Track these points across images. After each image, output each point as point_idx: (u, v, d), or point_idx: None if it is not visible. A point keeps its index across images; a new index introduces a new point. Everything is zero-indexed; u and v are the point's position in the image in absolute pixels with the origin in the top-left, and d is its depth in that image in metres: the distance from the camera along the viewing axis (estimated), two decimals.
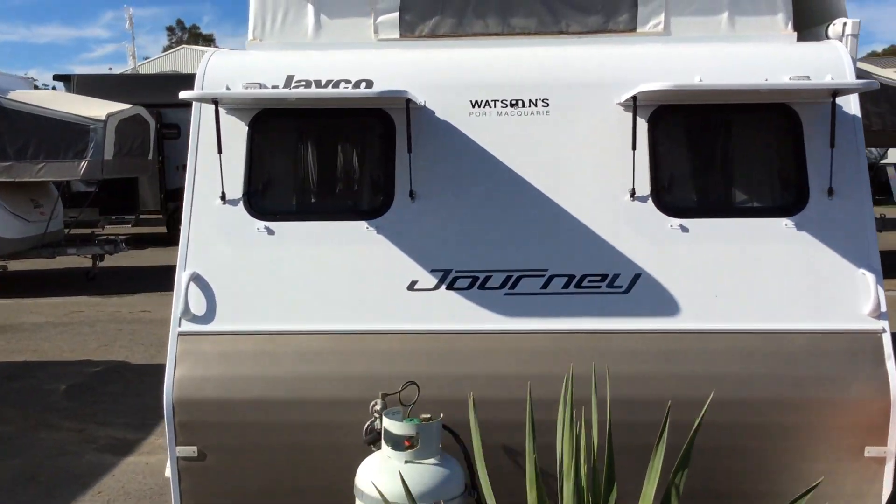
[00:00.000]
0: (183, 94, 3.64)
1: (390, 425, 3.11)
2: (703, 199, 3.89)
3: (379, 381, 3.57)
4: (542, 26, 4.26)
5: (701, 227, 3.69)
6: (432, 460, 3.08)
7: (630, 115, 3.80)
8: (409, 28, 4.28)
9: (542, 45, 4.11)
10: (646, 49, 4.03)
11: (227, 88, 3.91)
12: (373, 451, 3.46)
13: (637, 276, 3.66)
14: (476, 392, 3.51)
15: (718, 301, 3.59)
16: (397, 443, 3.11)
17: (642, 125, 3.79)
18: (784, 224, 3.66)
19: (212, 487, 3.68)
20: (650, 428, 3.27)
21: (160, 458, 5.78)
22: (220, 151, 3.86)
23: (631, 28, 4.25)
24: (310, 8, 4.30)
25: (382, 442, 3.19)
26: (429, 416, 3.18)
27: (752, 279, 3.61)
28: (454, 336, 3.64)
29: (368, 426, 3.36)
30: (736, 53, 3.93)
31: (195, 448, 3.63)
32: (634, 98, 3.67)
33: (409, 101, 3.70)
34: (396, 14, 4.26)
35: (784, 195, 3.83)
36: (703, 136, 3.94)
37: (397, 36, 4.28)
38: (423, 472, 3.04)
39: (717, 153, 3.97)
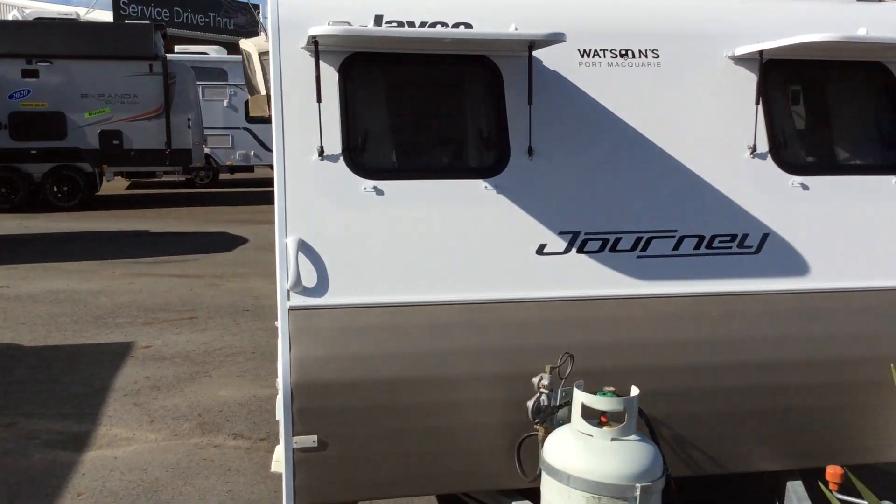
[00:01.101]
0: (313, 31, 3.13)
1: (594, 401, 2.85)
2: (820, 156, 3.86)
3: (520, 353, 3.29)
4: None
5: (820, 184, 3.67)
6: (634, 437, 2.86)
7: (741, 68, 3.68)
8: None
9: None
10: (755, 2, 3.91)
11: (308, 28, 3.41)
12: (513, 430, 3.20)
13: (766, 236, 3.58)
14: (621, 361, 3.32)
15: (845, 259, 3.59)
16: (594, 419, 2.86)
17: (755, 79, 3.68)
18: None
19: (332, 481, 3.25)
20: (789, 389, 3.25)
21: (128, 451, 5.18)
22: (319, 100, 3.36)
23: None
24: None
25: (574, 417, 2.92)
26: (612, 388, 2.95)
27: (873, 236, 3.63)
28: (590, 303, 3.40)
29: (535, 403, 3.07)
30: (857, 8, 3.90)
31: (315, 437, 3.19)
32: (761, 53, 3.56)
33: (531, 47, 3.38)
34: None
35: None
36: (818, 92, 3.90)
37: None
38: (633, 450, 2.82)
39: (830, 109, 3.94)
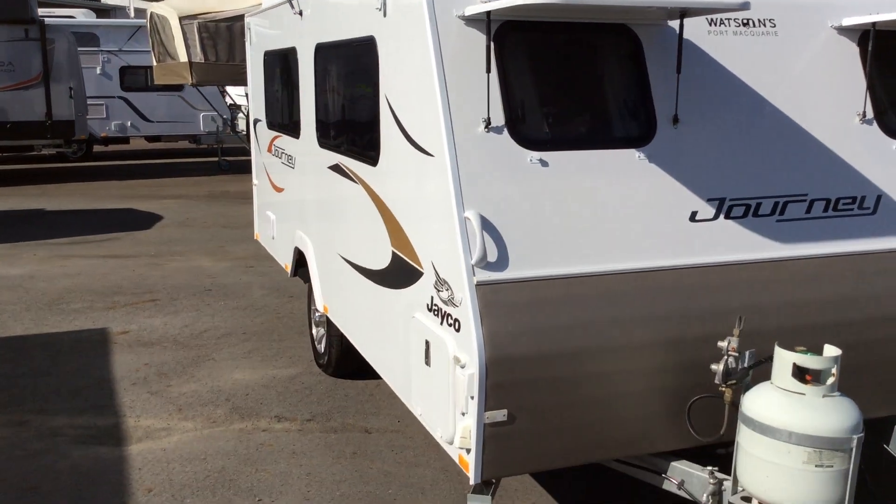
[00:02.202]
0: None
1: (806, 360, 2.98)
2: None
3: (685, 319, 3.40)
4: None
5: None
6: (837, 394, 3.03)
7: (846, 39, 3.89)
8: None
9: None
10: None
11: None
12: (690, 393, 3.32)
13: (879, 197, 3.82)
14: (773, 322, 3.49)
15: None
16: (800, 377, 3.00)
17: (857, 50, 3.90)
18: None
19: (517, 453, 3.25)
20: None
21: (173, 443, 4.99)
22: (488, 70, 3.29)
23: None
24: None
25: (781, 376, 3.05)
26: (804, 348, 3.10)
27: None
28: (741, 267, 3.54)
29: (724, 366, 3.18)
30: None
31: (505, 412, 3.17)
32: (874, 25, 3.77)
33: (683, 15, 3.44)
34: None
35: None
36: None
37: None
38: (843, 405, 2.97)
39: None
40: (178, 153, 21.49)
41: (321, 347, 6.09)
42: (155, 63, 12.97)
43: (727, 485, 3.34)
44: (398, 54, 3.70)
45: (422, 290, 3.63)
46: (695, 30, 3.67)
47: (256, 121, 7.44)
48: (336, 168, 4.86)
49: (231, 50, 11.22)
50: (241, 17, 11.05)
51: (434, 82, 3.30)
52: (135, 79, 20.16)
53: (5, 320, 7.40)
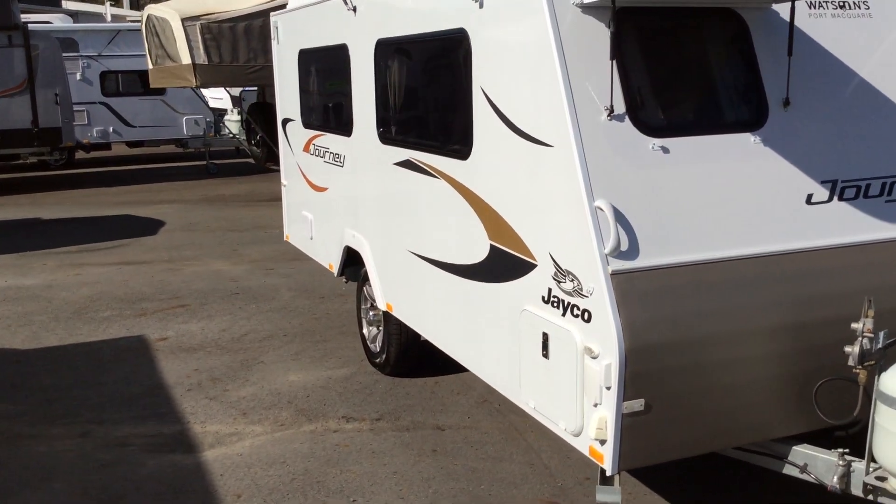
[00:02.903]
0: None
1: None
2: None
3: (817, 301, 3.41)
4: None
5: None
6: None
7: None
8: None
9: None
10: None
11: None
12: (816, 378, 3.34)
13: None
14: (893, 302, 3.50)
15: None
16: None
17: None
18: None
19: (652, 443, 3.24)
20: None
21: (247, 447, 4.95)
22: (612, 57, 3.27)
23: None
24: None
25: None
26: None
27: None
28: (859, 248, 3.55)
29: (859, 348, 3.18)
30: None
31: (642, 401, 3.15)
32: None
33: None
34: None
35: None
36: None
37: None
38: None
39: None
40: (163, 158, 21.20)
41: (375, 346, 6.03)
42: (151, 66, 12.77)
43: (856, 466, 3.35)
44: (502, 46, 3.66)
45: (534, 281, 3.60)
46: (798, 12, 3.67)
47: (287, 120, 7.34)
48: (406, 164, 4.81)
49: (235, 51, 11.09)
50: (244, 18, 10.94)
51: (556, 72, 3.26)
52: (116, 84, 19.86)
53: (37, 331, 7.24)
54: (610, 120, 3.29)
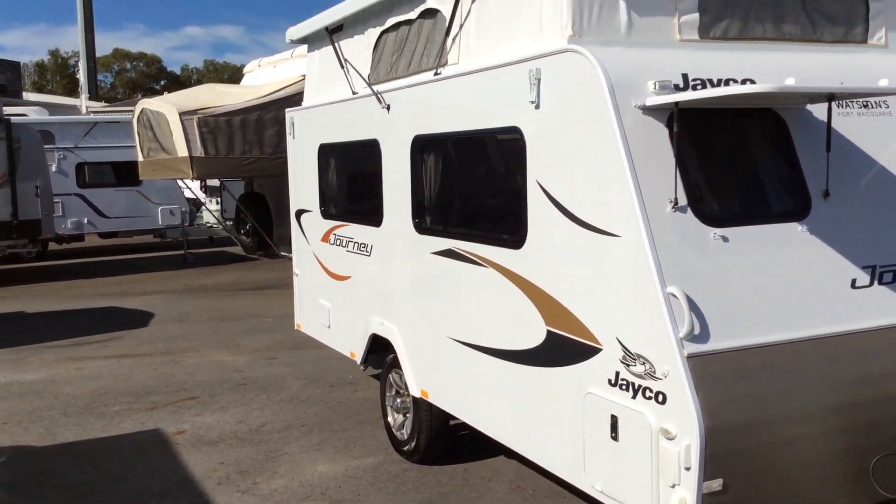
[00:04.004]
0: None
1: None
2: None
3: (872, 380, 3.63)
4: (806, 34, 4.52)
5: None
6: None
7: None
8: (706, 29, 4.26)
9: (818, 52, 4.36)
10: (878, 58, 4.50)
11: (640, 87, 3.61)
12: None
13: None
14: None
15: None
16: None
17: None
18: None
19: None
20: None
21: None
22: (676, 156, 3.53)
23: (863, 40, 4.71)
24: (621, 4, 4.07)
25: None
26: None
27: None
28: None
29: None
30: None
31: (721, 481, 3.30)
32: None
33: (831, 99, 3.76)
34: (697, 15, 4.22)
35: None
36: None
37: (697, 37, 4.23)
38: None
39: None
40: (137, 249, 21.14)
41: (403, 434, 6.09)
42: (142, 158, 12.93)
43: None
44: (562, 143, 3.90)
45: (600, 365, 3.76)
46: (825, 112, 3.99)
47: (302, 211, 7.51)
48: (448, 253, 4.99)
49: (231, 143, 11.33)
50: (240, 112, 11.22)
51: (624, 169, 3.50)
52: (91, 175, 19.94)
53: (49, 427, 7.16)
54: (674, 211, 3.52)
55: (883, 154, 4.09)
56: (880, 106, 4.18)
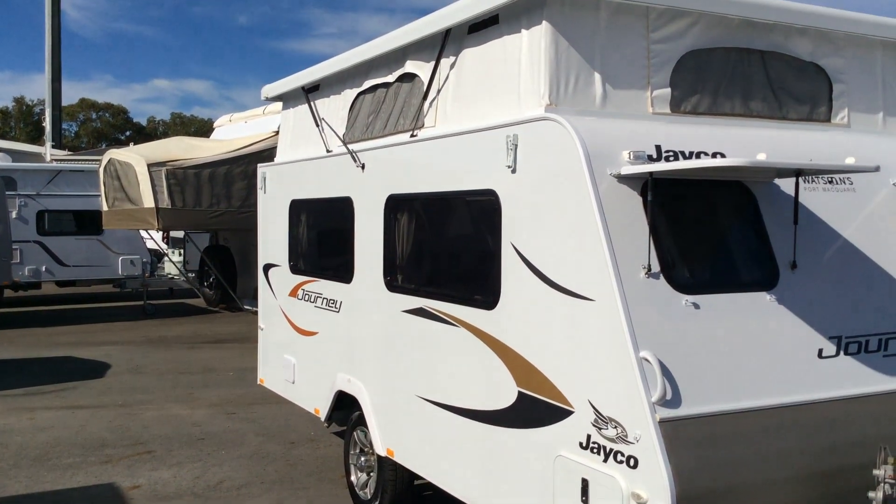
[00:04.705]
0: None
1: None
2: None
3: (838, 449, 3.69)
4: (772, 111, 4.70)
5: None
6: None
7: None
8: (677, 104, 4.41)
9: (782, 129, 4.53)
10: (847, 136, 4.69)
11: (615, 156, 3.73)
12: None
13: None
14: None
15: None
16: None
17: None
18: None
19: None
20: None
21: None
22: (649, 222, 3.62)
23: (826, 119, 4.90)
24: (597, 77, 4.21)
25: None
26: None
27: None
28: (867, 399, 3.88)
29: (883, 494, 3.44)
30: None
31: None
32: None
33: (799, 174, 3.90)
34: (668, 90, 4.37)
35: None
36: None
37: (668, 111, 4.38)
38: None
39: None
40: (96, 298, 20.81)
41: (366, 493, 6.02)
42: (106, 208, 12.84)
43: None
44: (537, 207, 3.98)
45: (571, 428, 3.78)
46: (792, 187, 4.13)
47: (270, 266, 7.50)
48: (419, 312, 5.01)
49: (198, 196, 11.31)
50: (209, 165, 11.23)
51: (599, 234, 3.58)
52: (52, 223, 19.71)
53: None
54: (647, 277, 3.60)
55: (847, 228, 4.22)
56: (844, 182, 4.33)
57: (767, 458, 3.51)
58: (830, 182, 4.29)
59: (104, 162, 12.46)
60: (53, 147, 30.66)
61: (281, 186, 7.24)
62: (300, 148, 7.05)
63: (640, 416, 3.38)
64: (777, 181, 4.12)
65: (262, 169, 7.66)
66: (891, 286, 4.21)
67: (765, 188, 4.05)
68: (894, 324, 4.12)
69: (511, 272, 4.19)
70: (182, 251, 18.78)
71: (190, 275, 17.34)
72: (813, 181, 4.24)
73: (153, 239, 19.10)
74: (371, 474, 5.94)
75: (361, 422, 5.85)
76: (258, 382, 7.91)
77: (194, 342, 14.25)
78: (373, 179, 5.60)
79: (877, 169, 3.59)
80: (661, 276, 3.63)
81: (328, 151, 6.33)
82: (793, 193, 4.09)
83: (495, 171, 4.28)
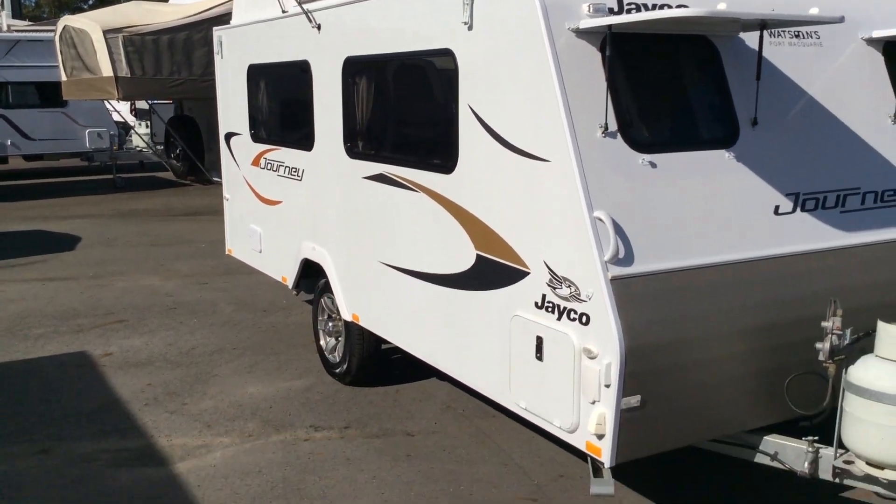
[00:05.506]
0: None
1: None
2: None
3: (788, 303, 3.74)
4: None
5: None
6: None
7: (873, 48, 4.37)
8: None
9: None
10: None
11: (574, 9, 3.59)
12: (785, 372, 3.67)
13: None
14: (852, 303, 3.86)
15: None
16: None
17: (882, 59, 4.38)
18: None
19: (645, 436, 3.48)
20: None
21: (219, 458, 5.02)
22: (607, 79, 3.53)
23: None
24: None
25: (882, 348, 3.41)
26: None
27: None
28: (821, 254, 3.91)
29: (829, 344, 3.51)
30: None
31: (639, 397, 3.40)
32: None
33: (763, 27, 3.79)
34: None
35: None
36: None
37: None
38: None
39: None
40: (65, 172, 20.51)
41: (335, 357, 6.12)
42: (65, 78, 12.44)
43: (824, 452, 3.68)
44: (494, 66, 3.86)
45: (527, 288, 3.81)
46: (757, 41, 4.02)
47: (231, 134, 7.35)
48: (379, 178, 4.95)
49: (158, 64, 10.95)
50: (168, 31, 10.83)
51: (555, 93, 3.49)
52: (14, 95, 19.13)
53: None
54: (604, 137, 3.53)
55: (812, 84, 4.15)
56: (811, 36, 4.22)
57: (718, 312, 3.55)
58: (797, 37, 4.18)
59: (59, 29, 11.98)
60: (12, 17, 29.41)
61: (238, 51, 7.01)
62: (256, 9, 6.77)
63: (592, 274, 3.40)
64: (742, 36, 4.00)
65: (217, 33, 7.39)
66: (852, 143, 4.18)
67: (729, 43, 3.94)
68: (854, 180, 4.11)
69: (468, 135, 4.11)
70: (149, 123, 18.40)
71: (157, 147, 17.04)
72: (779, 35, 4.12)
73: (118, 112, 18.65)
74: (339, 339, 6.02)
75: (327, 289, 5.88)
76: (226, 253, 7.90)
77: (166, 215, 14.18)
78: (330, 41, 5.42)
79: (841, 20, 3.47)
80: (619, 136, 3.57)
81: (284, 12, 6.09)
82: (755, 47, 3.98)
83: (452, 29, 4.13)
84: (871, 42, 4.38)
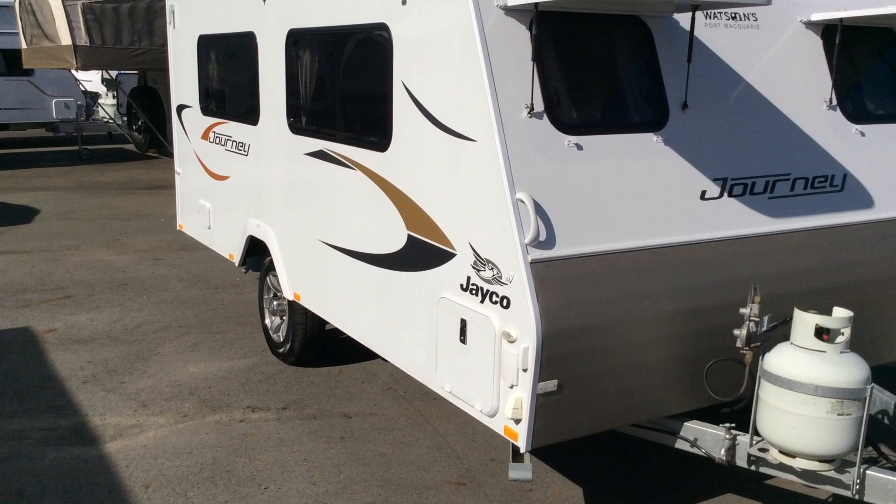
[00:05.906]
0: None
1: (827, 321, 3.34)
2: (875, 107, 4.57)
3: (709, 288, 3.71)
4: None
5: (876, 131, 4.42)
6: (849, 352, 3.41)
7: (812, 32, 4.33)
8: None
9: None
10: None
11: None
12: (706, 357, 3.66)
13: (845, 176, 4.27)
14: (773, 290, 3.85)
15: None
16: (818, 336, 3.36)
17: (822, 42, 4.34)
18: None
19: (563, 421, 3.46)
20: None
21: (151, 438, 4.96)
22: (534, 58, 3.46)
23: None
24: None
25: (803, 337, 3.39)
26: (815, 310, 3.46)
27: None
28: (746, 241, 3.88)
29: (746, 331, 3.49)
30: None
31: (556, 382, 3.37)
32: (841, 20, 4.21)
33: (695, 9, 3.74)
34: None
35: None
36: (866, 53, 4.61)
37: None
38: (856, 359, 3.35)
39: (879, 66, 4.67)
40: (30, 143, 20.21)
41: (279, 336, 6.05)
42: (25, 46, 12.21)
43: (741, 439, 3.67)
44: (425, 43, 3.79)
45: (453, 270, 3.76)
46: (695, 23, 3.96)
47: (182, 107, 7.23)
48: (319, 154, 4.87)
49: (118, 33, 10.75)
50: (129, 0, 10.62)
51: (481, 71, 3.42)
52: None
53: None
54: (530, 117, 3.48)
55: (748, 67, 4.10)
56: (748, 18, 4.17)
57: (639, 297, 3.52)
58: (734, 18, 4.12)
59: None
60: None
61: (189, 20, 6.87)
62: None
63: (513, 257, 3.35)
64: (677, 17, 3.94)
65: (170, 1, 7.24)
66: (786, 128, 4.14)
67: (663, 24, 3.89)
68: (784, 166, 4.08)
69: (402, 112, 4.04)
70: (115, 94, 18.14)
71: (123, 118, 16.80)
72: (715, 17, 4.07)
73: (89, 81, 18.36)
74: (283, 318, 5.96)
75: (272, 267, 5.80)
76: (178, 228, 7.79)
77: (128, 188, 14.00)
78: (274, 12, 5.31)
79: (768, 2, 3.42)
80: (545, 116, 3.51)
81: None
82: (689, 30, 3.93)
83: (387, 4, 4.05)
84: (810, 25, 4.34)
